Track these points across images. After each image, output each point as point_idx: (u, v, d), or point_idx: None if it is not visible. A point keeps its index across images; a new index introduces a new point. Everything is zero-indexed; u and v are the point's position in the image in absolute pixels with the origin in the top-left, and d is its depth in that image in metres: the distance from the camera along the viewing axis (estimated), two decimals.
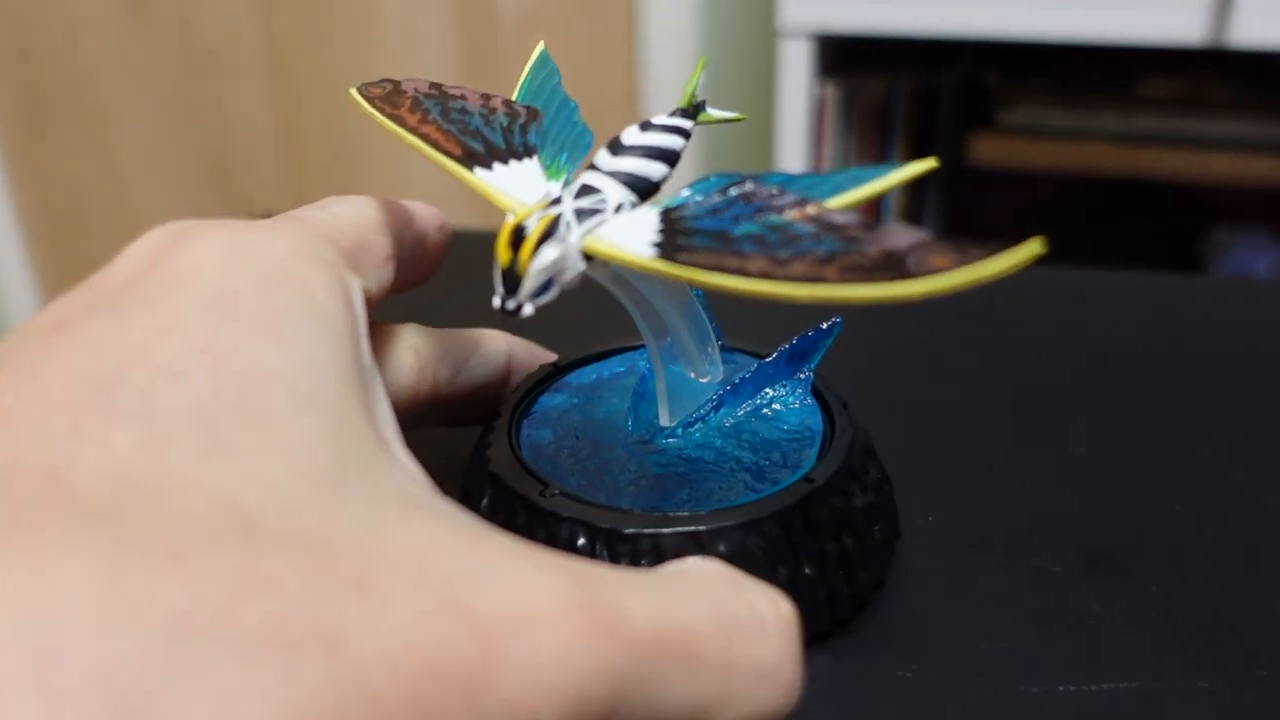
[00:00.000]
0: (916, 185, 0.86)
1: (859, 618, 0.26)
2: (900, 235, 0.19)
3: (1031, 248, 0.18)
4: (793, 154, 0.80)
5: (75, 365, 0.17)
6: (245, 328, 0.19)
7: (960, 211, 0.96)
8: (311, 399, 0.18)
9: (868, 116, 0.84)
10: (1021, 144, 0.84)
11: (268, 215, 0.23)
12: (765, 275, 0.19)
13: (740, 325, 0.33)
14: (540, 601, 0.16)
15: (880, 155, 0.85)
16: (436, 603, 0.15)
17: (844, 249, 0.19)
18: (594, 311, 0.32)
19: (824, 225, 0.20)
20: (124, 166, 1.31)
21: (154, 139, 1.29)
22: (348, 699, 0.14)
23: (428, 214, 0.27)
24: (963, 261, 0.18)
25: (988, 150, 0.85)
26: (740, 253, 0.20)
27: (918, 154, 0.86)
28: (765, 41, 0.92)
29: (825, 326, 0.28)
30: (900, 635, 0.25)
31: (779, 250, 0.19)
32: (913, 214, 0.89)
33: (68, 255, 1.39)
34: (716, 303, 0.30)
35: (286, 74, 1.21)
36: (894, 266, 0.18)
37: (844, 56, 0.84)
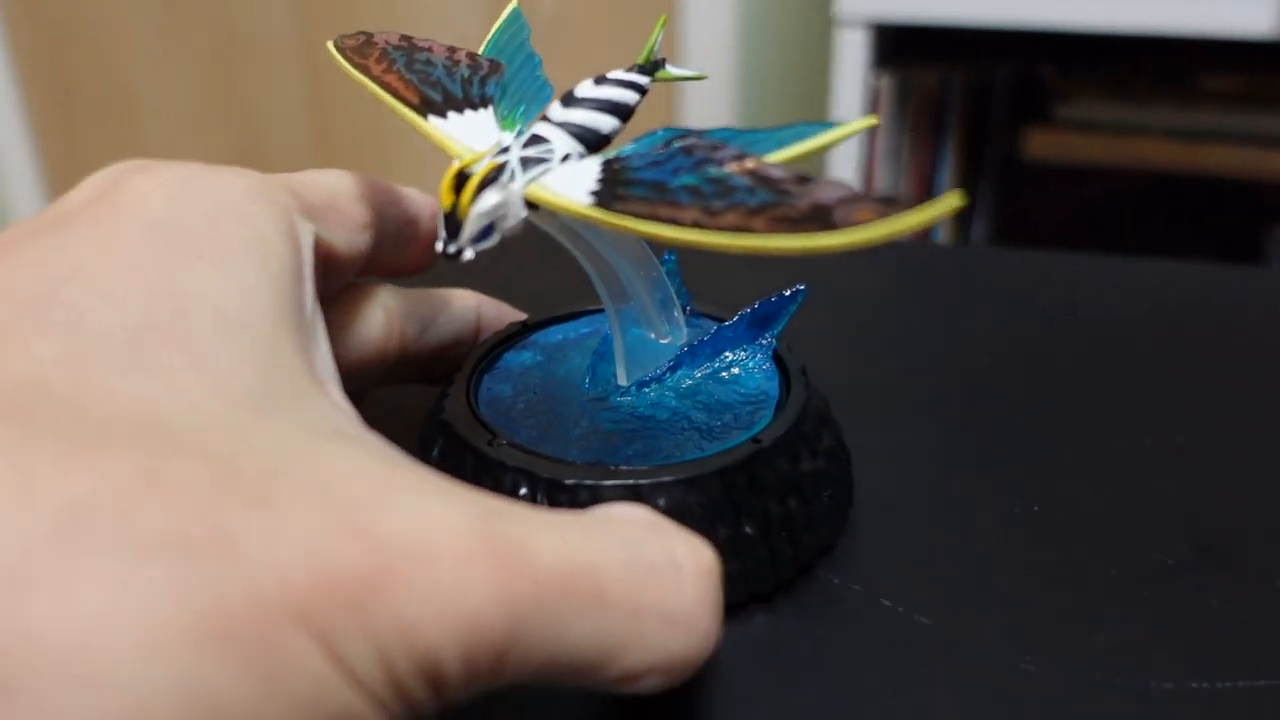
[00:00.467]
0: (969, 180, 0.85)
1: (803, 581, 0.26)
2: (830, 190, 0.19)
3: (950, 201, 0.18)
4: (846, 144, 0.80)
5: (11, 281, 0.18)
6: (184, 256, 0.19)
7: (1013, 206, 0.95)
8: (242, 327, 0.19)
9: (922, 108, 0.83)
10: (1077, 138, 0.83)
11: None
12: (696, 225, 0.19)
13: (718, 292, 0.33)
14: (441, 530, 0.16)
15: (933, 148, 0.84)
16: (336, 522, 0.15)
17: (775, 201, 0.19)
18: (572, 275, 0.32)
19: (759, 179, 0.20)
20: (153, 154, 1.33)
21: (185, 130, 1.31)
22: (234, 602, 0.14)
23: (422, 200, 0.27)
24: (885, 214, 0.18)
25: (1042, 145, 0.83)
26: (675, 203, 0.20)
27: (971, 148, 0.85)
28: (821, 29, 0.92)
29: (789, 293, 0.28)
30: (844, 599, 0.25)
31: (713, 201, 0.20)
32: (965, 209, 0.88)
33: None
34: (690, 270, 0.30)
35: (317, 67, 1.23)
36: (820, 219, 0.18)
37: (899, 47, 0.83)
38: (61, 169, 1.36)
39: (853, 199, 0.19)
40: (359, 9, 1.17)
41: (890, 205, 0.18)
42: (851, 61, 0.76)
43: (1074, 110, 0.83)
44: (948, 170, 0.83)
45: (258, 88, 1.24)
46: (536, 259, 0.41)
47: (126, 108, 1.29)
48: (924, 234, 0.86)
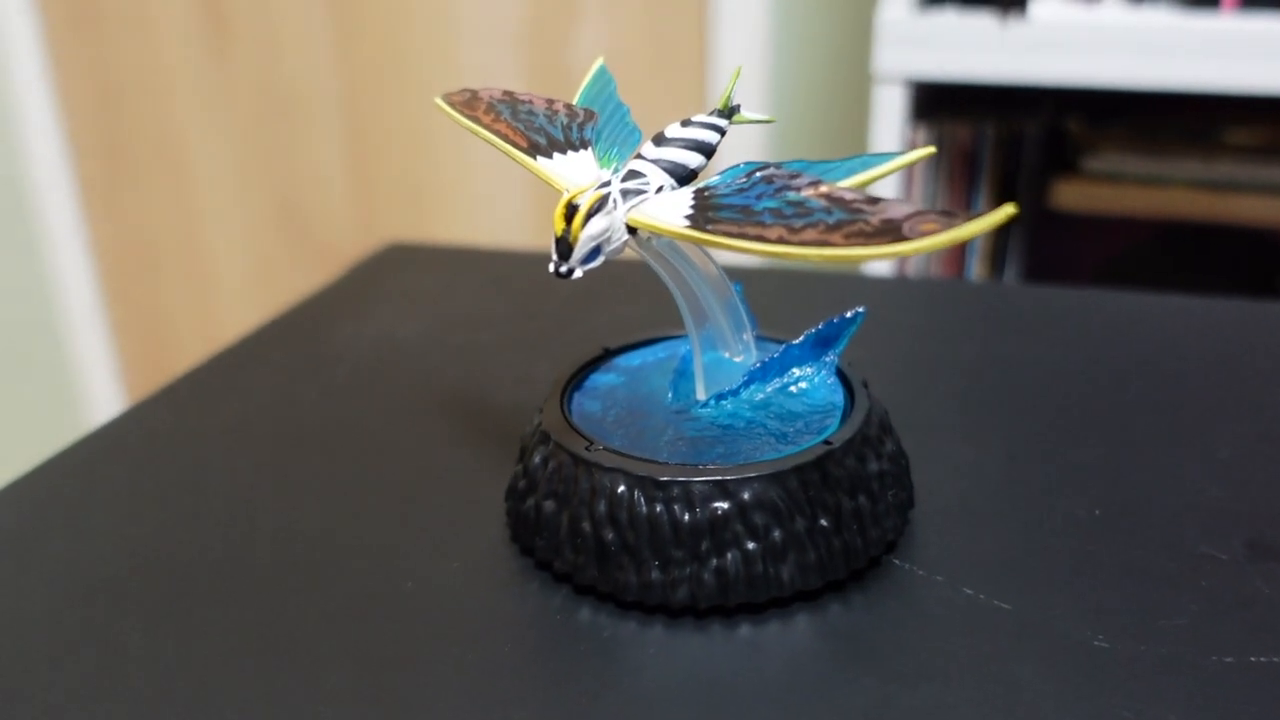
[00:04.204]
0: (1001, 228, 0.88)
1: (871, 574, 0.28)
2: (899, 207, 0.22)
3: (1005, 210, 0.20)
4: (884, 195, 0.83)
5: None
6: None
7: (1043, 254, 0.97)
8: None
9: (955, 160, 0.86)
10: (1104, 189, 0.85)
11: None
12: (781, 240, 0.22)
13: (779, 319, 0.36)
14: None
15: (967, 198, 0.88)
16: None
17: (850, 219, 0.22)
18: (647, 307, 0.35)
19: (834, 200, 0.23)
20: (200, 210, 1.38)
21: (229, 185, 1.36)
22: None
23: None
24: (949, 225, 0.21)
25: (1070, 195, 0.86)
26: (760, 223, 0.23)
27: (1003, 198, 0.88)
28: (859, 86, 0.96)
29: (849, 315, 0.30)
30: (913, 591, 0.27)
31: (794, 221, 0.23)
32: (997, 255, 0.91)
33: (140, 297, 1.46)
34: (755, 300, 0.33)
35: (360, 120, 1.28)
36: (892, 232, 0.21)
37: (934, 102, 0.87)
38: (108, 224, 1.41)
39: (918, 214, 0.22)
40: (399, 61, 1.23)
41: (952, 218, 0.21)
42: (889, 116, 0.80)
43: (1100, 163, 0.86)
44: None
45: (301, 144, 1.29)
46: (613, 293, 0.44)
47: (173, 163, 1.34)
48: (960, 274, 0.89)
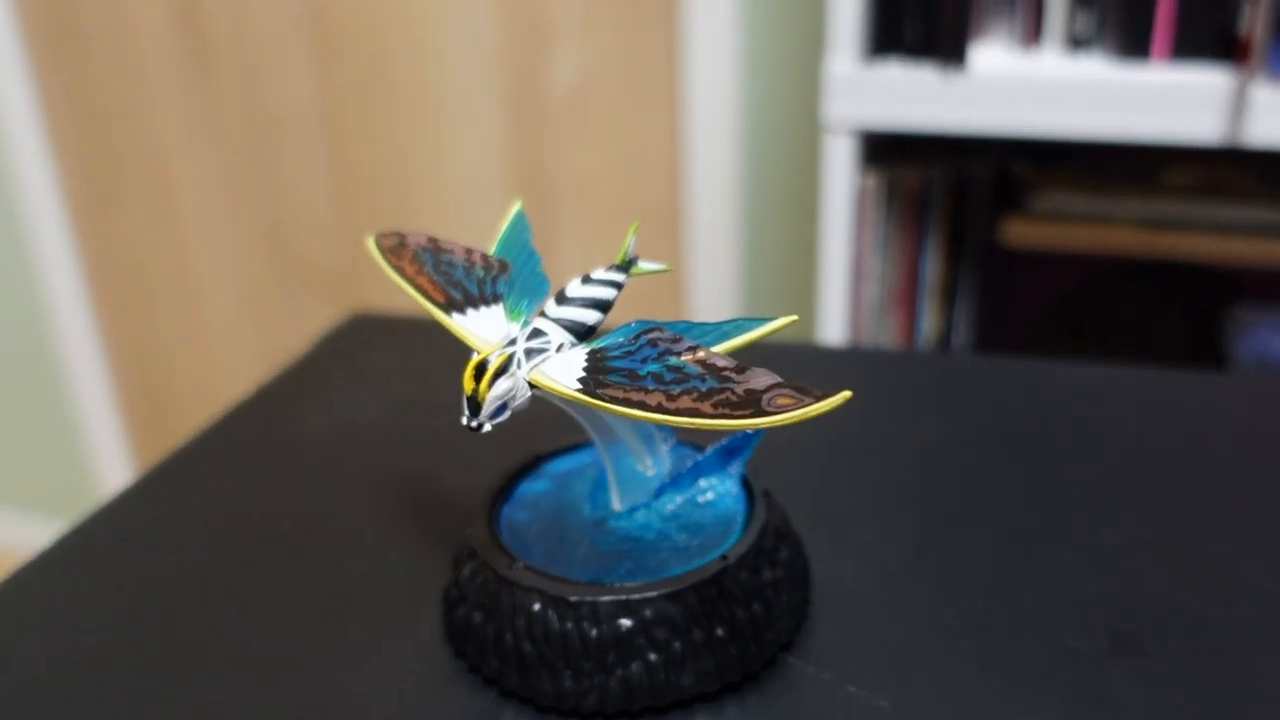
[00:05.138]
0: (952, 265, 0.91)
1: (767, 673, 0.31)
2: (761, 379, 0.25)
3: (843, 395, 0.24)
4: (837, 237, 0.86)
5: None
6: None
7: (994, 289, 1.01)
8: None
9: (907, 204, 0.90)
10: (1050, 227, 0.89)
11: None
12: (659, 408, 0.25)
13: None
14: None
15: (918, 239, 0.91)
16: None
17: (720, 387, 0.25)
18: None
19: (708, 367, 0.26)
20: (187, 232, 1.41)
21: (217, 206, 1.39)
22: None
23: None
24: (800, 405, 0.24)
25: (1018, 233, 0.90)
26: (643, 389, 0.26)
27: (954, 237, 0.91)
28: (812, 134, 0.99)
29: (750, 433, 0.34)
30: (803, 689, 0.31)
31: (672, 387, 0.26)
32: (950, 291, 0.94)
33: (131, 315, 1.49)
34: None
35: (343, 146, 1.31)
36: (752, 404, 0.24)
37: (884, 148, 0.90)
38: (97, 243, 1.45)
39: (775, 388, 0.25)
40: (381, 86, 1.25)
41: (804, 394, 0.24)
42: (840, 164, 0.83)
43: (1047, 202, 0.90)
44: (931, 258, 0.89)
45: (285, 166, 1.32)
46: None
47: (160, 186, 1.37)
48: (909, 326, 0.92)
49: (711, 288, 1.14)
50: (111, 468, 1.55)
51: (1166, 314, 0.94)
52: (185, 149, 1.36)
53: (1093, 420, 0.46)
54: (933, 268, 0.88)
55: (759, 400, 0.25)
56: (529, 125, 1.20)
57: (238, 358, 1.47)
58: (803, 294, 1.05)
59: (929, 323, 0.89)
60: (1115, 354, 1.00)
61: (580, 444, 0.37)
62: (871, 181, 0.84)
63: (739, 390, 0.25)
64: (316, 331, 0.58)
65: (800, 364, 0.52)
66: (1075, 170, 0.88)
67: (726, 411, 0.25)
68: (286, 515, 0.40)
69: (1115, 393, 0.48)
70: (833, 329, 0.87)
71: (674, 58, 1.12)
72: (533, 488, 0.35)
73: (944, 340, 0.93)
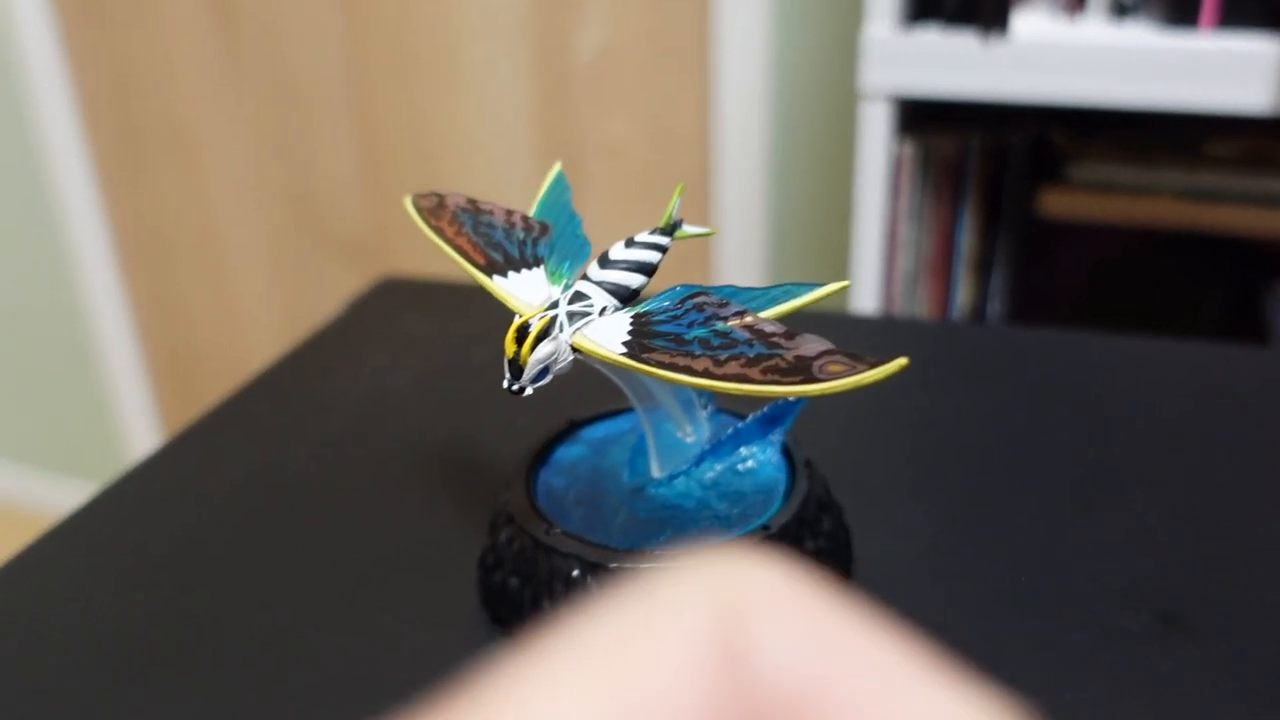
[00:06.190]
0: (988, 235, 0.90)
1: None
2: (812, 345, 0.24)
3: (899, 362, 0.23)
4: (871, 207, 0.85)
5: None
6: None
7: (1030, 260, 0.99)
8: None
9: (942, 173, 0.88)
10: (1089, 198, 0.87)
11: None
12: (706, 373, 0.24)
13: None
14: None
15: (954, 209, 0.89)
16: None
17: (769, 353, 0.25)
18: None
19: (756, 333, 0.25)
20: (213, 198, 1.42)
21: (242, 171, 1.38)
22: None
23: None
24: (853, 370, 0.23)
25: (1056, 204, 0.88)
26: (690, 353, 0.25)
27: (990, 207, 0.90)
28: (846, 101, 0.97)
29: (794, 400, 0.33)
30: None
31: (719, 353, 0.25)
32: (985, 261, 0.93)
33: (158, 281, 1.50)
34: None
35: (370, 112, 1.30)
36: (802, 371, 0.24)
37: (920, 116, 0.88)
38: (125, 210, 1.45)
39: (829, 353, 0.24)
40: (407, 55, 1.25)
41: (857, 361, 0.23)
42: (875, 132, 0.81)
43: (1086, 172, 0.88)
44: (967, 229, 0.88)
45: (311, 133, 1.32)
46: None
47: (187, 151, 1.38)
48: (943, 297, 0.91)
49: (742, 258, 1.13)
50: (140, 432, 1.56)
51: (1206, 288, 0.92)
52: (213, 114, 1.36)
53: (1134, 394, 0.45)
54: (968, 238, 0.87)
55: (809, 367, 0.24)
56: (556, 93, 1.18)
57: (263, 323, 1.47)
58: (835, 264, 1.04)
59: (963, 294, 0.88)
60: (1153, 328, 0.99)
61: (615, 411, 0.37)
62: (907, 150, 0.83)
63: (788, 356, 0.24)
64: (342, 298, 0.58)
65: (834, 334, 0.51)
66: (1115, 140, 0.86)
67: (776, 378, 0.24)
68: (319, 480, 0.40)
69: (1156, 366, 0.47)
70: (866, 299, 0.86)
71: (704, 23, 1.11)
72: (569, 453, 0.35)
73: (978, 312, 0.92)
